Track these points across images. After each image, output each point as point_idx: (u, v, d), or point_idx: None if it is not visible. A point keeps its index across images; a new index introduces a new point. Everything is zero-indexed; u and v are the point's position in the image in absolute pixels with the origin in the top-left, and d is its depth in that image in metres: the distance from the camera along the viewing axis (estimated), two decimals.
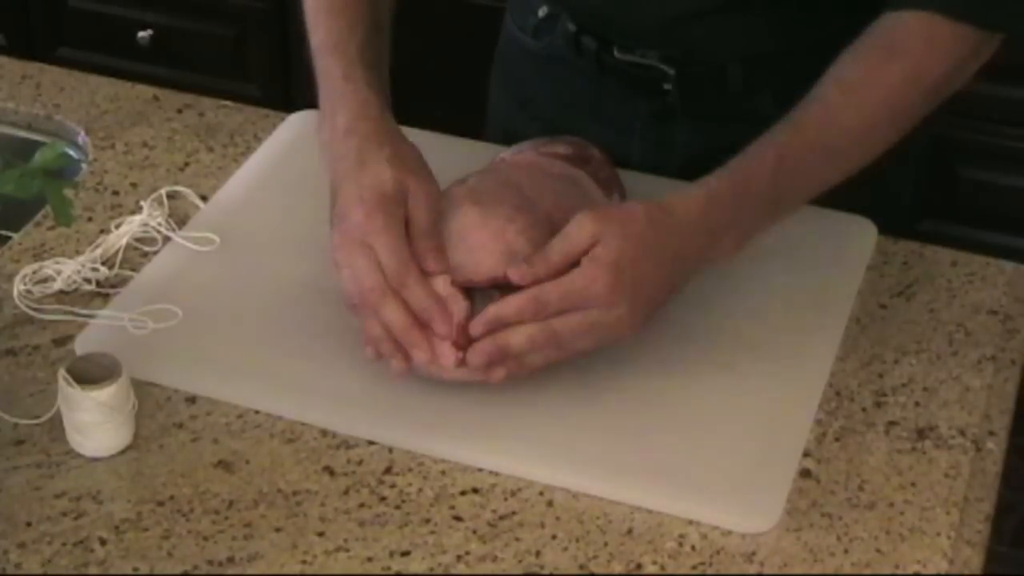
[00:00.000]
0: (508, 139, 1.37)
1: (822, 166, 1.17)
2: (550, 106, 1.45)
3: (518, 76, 1.50)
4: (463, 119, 1.51)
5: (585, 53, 1.38)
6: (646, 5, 1.30)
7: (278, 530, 1.05)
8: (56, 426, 1.12)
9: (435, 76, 2.33)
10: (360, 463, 1.11)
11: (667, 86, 1.35)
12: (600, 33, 1.36)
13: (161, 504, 1.07)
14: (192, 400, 1.16)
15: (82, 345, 1.19)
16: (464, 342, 1.11)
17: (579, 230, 1.10)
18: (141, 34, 2.70)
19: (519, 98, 1.50)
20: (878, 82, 1.15)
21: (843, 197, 1.34)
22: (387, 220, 1.12)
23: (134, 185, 1.39)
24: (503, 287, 1.13)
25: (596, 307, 1.09)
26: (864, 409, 1.16)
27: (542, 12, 1.42)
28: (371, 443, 1.12)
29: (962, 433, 1.14)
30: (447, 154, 1.39)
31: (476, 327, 1.10)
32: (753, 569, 1.04)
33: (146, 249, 1.30)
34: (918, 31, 1.15)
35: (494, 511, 1.07)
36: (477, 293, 1.14)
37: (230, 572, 1.02)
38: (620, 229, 1.10)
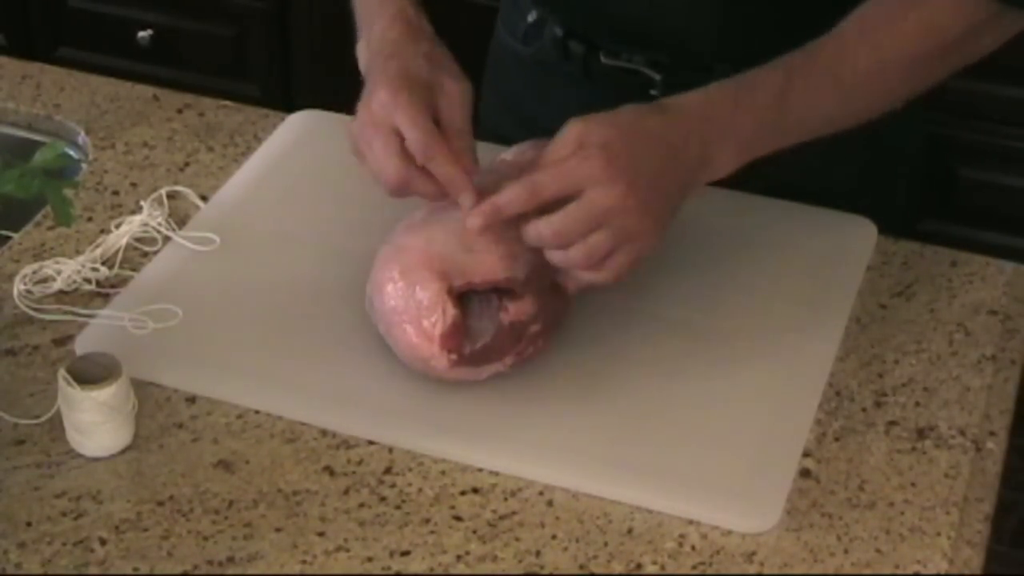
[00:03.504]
0: (498, 143, 1.37)
1: (830, 98, 1.17)
2: (539, 111, 1.44)
3: (508, 81, 1.50)
4: None
5: (573, 58, 1.38)
6: (634, 4, 1.30)
7: (278, 530, 1.05)
8: (56, 426, 1.12)
9: None
10: (360, 463, 1.11)
11: (653, 92, 1.35)
12: (588, 36, 1.36)
13: (161, 504, 1.07)
14: (192, 400, 1.16)
15: (82, 345, 1.19)
16: (454, 344, 1.11)
17: (567, 131, 1.11)
18: (141, 34, 2.70)
19: (509, 103, 1.50)
20: (894, 26, 1.17)
21: (843, 197, 1.34)
22: (411, 98, 1.12)
23: (134, 185, 1.39)
24: (502, 291, 1.13)
25: (593, 187, 1.08)
26: (864, 409, 1.16)
27: (531, 17, 1.42)
28: (371, 443, 1.12)
29: (962, 433, 1.14)
30: None
31: (474, 219, 1.09)
32: (753, 569, 1.04)
33: (146, 249, 1.30)
34: None
35: (494, 511, 1.07)
36: (476, 297, 1.14)
37: (230, 572, 1.02)
38: (607, 119, 1.10)
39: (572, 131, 1.10)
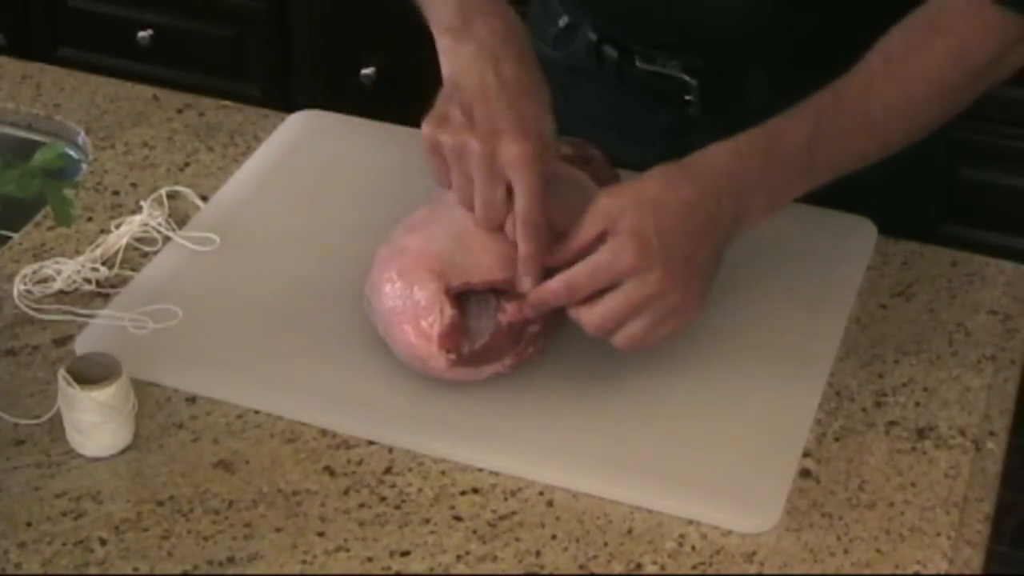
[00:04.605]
0: None
1: (860, 136, 1.15)
2: (569, 117, 1.43)
3: None
4: None
5: (606, 63, 1.37)
6: (670, 9, 1.29)
7: (278, 530, 1.05)
8: (56, 426, 1.12)
9: None
10: (360, 463, 1.11)
11: (688, 97, 1.34)
12: (622, 41, 1.36)
13: (161, 504, 1.07)
14: (192, 400, 1.16)
15: (82, 345, 1.19)
16: (453, 344, 1.11)
17: (594, 211, 1.10)
18: (141, 34, 2.70)
19: None
20: (921, 57, 1.14)
21: (869, 201, 1.34)
22: (541, 174, 1.11)
23: (134, 185, 1.39)
24: (501, 291, 1.13)
25: (629, 278, 1.08)
26: (864, 409, 1.16)
27: (563, 22, 1.41)
28: (371, 443, 1.12)
29: (962, 433, 1.14)
30: None
31: (527, 312, 1.11)
32: (753, 569, 1.04)
33: (146, 249, 1.30)
34: (966, 12, 1.14)
35: (494, 511, 1.07)
36: (475, 296, 1.14)
37: (230, 572, 1.02)
38: (634, 198, 1.09)
39: (600, 207, 1.09)
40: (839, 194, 1.29)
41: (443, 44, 1.18)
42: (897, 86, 1.15)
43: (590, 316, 1.10)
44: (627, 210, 1.08)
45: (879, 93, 1.14)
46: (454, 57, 1.16)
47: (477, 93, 1.13)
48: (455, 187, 1.14)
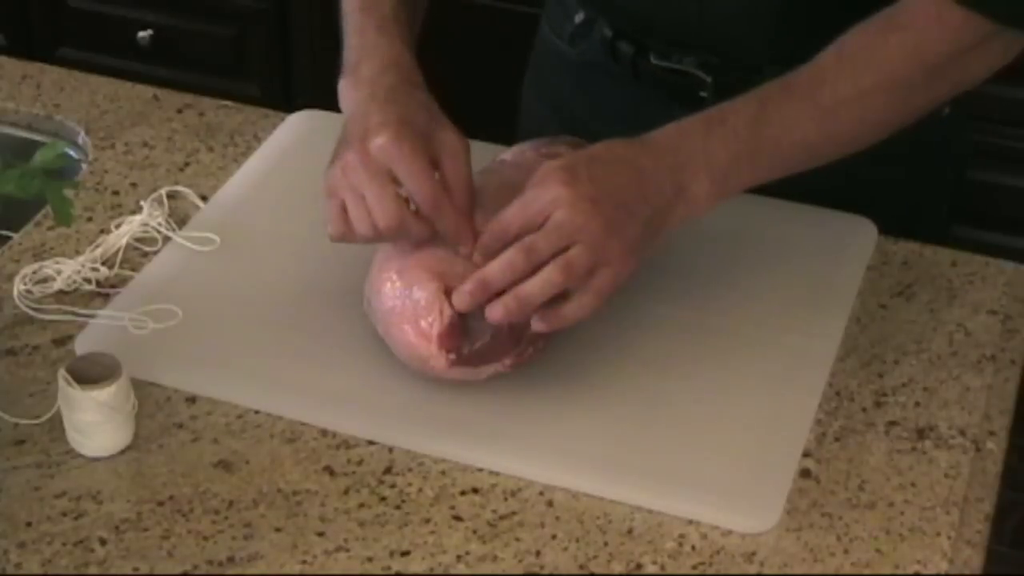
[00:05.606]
0: None
1: (808, 124, 1.15)
2: (585, 113, 1.44)
3: (553, 83, 1.49)
4: (496, 126, 1.50)
5: (621, 59, 1.37)
6: (685, 6, 1.29)
7: (278, 530, 1.05)
8: (56, 426, 1.12)
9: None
10: (360, 463, 1.11)
11: (703, 94, 1.34)
12: (637, 38, 1.36)
13: (161, 504, 1.07)
14: (192, 400, 1.16)
15: (82, 345, 1.19)
16: (452, 344, 1.11)
17: (537, 172, 1.10)
18: (141, 34, 2.70)
19: (554, 105, 1.49)
20: (874, 51, 1.15)
21: (885, 203, 1.33)
22: (415, 148, 1.10)
23: (134, 185, 1.39)
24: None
25: (557, 208, 1.07)
26: (864, 409, 1.16)
27: (579, 18, 1.41)
28: (371, 443, 1.12)
29: (962, 433, 1.14)
30: None
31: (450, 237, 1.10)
32: (753, 569, 1.04)
33: (146, 249, 1.30)
34: (923, 10, 1.14)
35: (494, 511, 1.07)
36: None
37: (230, 572, 1.02)
38: (572, 150, 1.12)
39: (540, 170, 1.10)
40: (848, 195, 1.29)
41: (340, 86, 1.20)
42: (847, 77, 1.15)
43: (520, 243, 1.07)
44: (563, 159, 1.10)
45: (829, 83, 1.15)
46: (345, 103, 1.18)
47: (359, 131, 1.13)
48: (353, 217, 1.12)
